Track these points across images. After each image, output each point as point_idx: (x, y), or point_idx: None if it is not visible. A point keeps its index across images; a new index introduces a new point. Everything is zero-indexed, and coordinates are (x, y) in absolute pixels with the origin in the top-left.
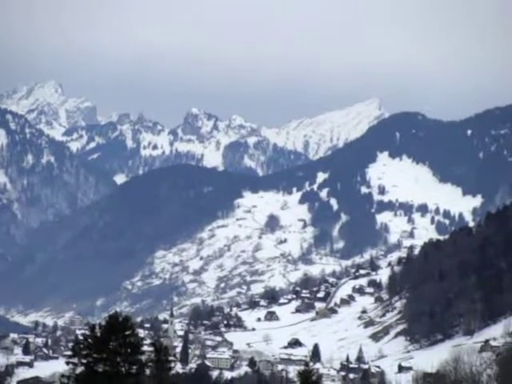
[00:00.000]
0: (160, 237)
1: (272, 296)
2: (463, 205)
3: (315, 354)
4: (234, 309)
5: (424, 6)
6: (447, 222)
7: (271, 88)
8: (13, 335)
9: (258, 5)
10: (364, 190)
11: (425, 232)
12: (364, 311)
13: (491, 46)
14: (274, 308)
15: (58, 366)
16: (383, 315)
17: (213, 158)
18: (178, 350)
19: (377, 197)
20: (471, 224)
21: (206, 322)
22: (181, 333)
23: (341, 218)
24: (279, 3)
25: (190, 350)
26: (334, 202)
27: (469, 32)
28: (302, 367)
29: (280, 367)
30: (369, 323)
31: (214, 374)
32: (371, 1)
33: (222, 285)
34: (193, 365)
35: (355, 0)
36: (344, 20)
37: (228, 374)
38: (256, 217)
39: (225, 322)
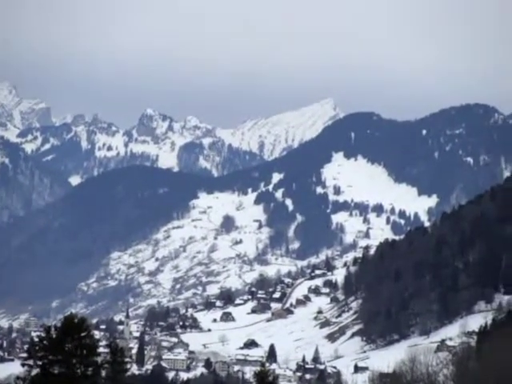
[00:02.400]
0: (115, 238)
1: (228, 297)
2: (418, 205)
3: (271, 354)
4: (190, 310)
5: (377, 5)
6: (402, 222)
7: (226, 89)
8: None
9: (209, 5)
10: (319, 190)
11: (380, 232)
12: (320, 312)
13: (445, 45)
14: (230, 309)
15: (14, 368)
16: (339, 315)
17: (168, 159)
18: (134, 351)
19: (332, 197)
20: (427, 224)
21: (161, 323)
22: (137, 334)
23: (296, 219)
24: (232, 3)
25: (145, 352)
26: (289, 202)
27: (422, 32)
28: (258, 368)
29: (236, 368)
30: (325, 324)
31: (170, 375)
32: (325, 1)
33: (178, 286)
34: (149, 366)
35: (312, 2)
36: (298, 21)
37: (184, 375)
38: (211, 218)
39: (180, 323)
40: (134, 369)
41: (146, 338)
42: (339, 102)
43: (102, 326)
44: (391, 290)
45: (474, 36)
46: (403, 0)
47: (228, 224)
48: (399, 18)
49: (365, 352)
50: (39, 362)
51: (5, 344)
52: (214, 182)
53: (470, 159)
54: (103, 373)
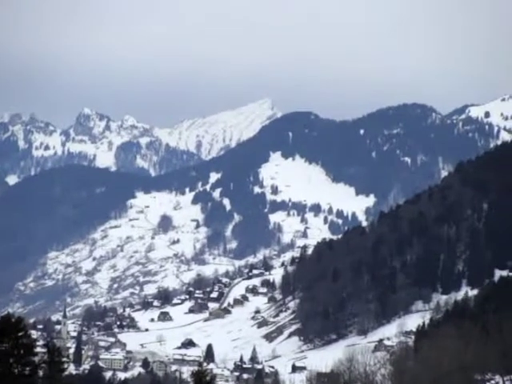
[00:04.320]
0: (52, 238)
1: (165, 296)
2: (356, 204)
3: (209, 354)
4: (127, 309)
5: (315, 6)
6: (340, 221)
7: (163, 88)
8: None
9: (145, 4)
10: (257, 189)
11: (318, 232)
12: (257, 311)
13: (383, 44)
14: (168, 308)
15: None
16: (277, 315)
17: (105, 159)
18: (72, 351)
19: (270, 197)
20: (364, 224)
21: (99, 322)
22: (74, 334)
23: (234, 218)
24: (167, 3)
25: (83, 351)
26: (226, 202)
27: (360, 30)
28: (196, 368)
29: (174, 368)
30: (262, 323)
31: (108, 374)
32: (267, 2)
33: (115, 285)
34: (86, 366)
35: (250, 1)
36: (238, 20)
37: (121, 375)
38: (149, 217)
39: (118, 323)
40: (71, 368)
41: (84, 337)
42: (277, 102)
43: (40, 326)
44: (329, 290)
45: (414, 34)
46: (340, 2)
47: (165, 223)
48: (336, 16)
49: (302, 352)
50: None
51: None
52: (152, 182)
53: (407, 159)
54: (41, 372)
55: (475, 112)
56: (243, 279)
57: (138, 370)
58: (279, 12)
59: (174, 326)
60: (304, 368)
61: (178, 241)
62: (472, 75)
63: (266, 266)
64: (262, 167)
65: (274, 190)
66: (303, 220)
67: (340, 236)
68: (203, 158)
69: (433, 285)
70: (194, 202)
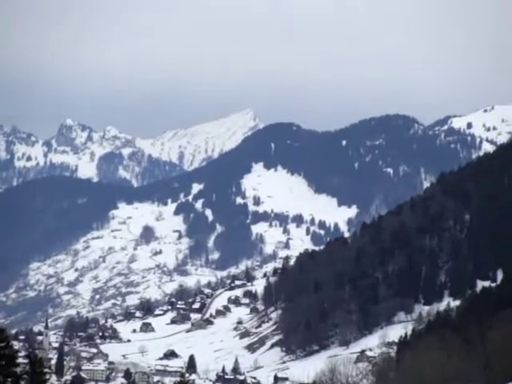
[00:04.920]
0: (34, 248)
1: (147, 307)
2: (338, 215)
3: (191, 365)
4: (110, 320)
5: (297, 17)
6: (322, 232)
7: (146, 99)
8: None
9: (131, 15)
10: (239, 200)
11: (300, 243)
12: (240, 322)
13: (366, 56)
14: (150, 319)
15: None
16: (259, 326)
17: (87, 169)
18: (53, 361)
19: (252, 207)
20: (346, 234)
21: (81, 333)
22: (56, 345)
23: (216, 229)
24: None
25: (65, 362)
26: (209, 212)
27: (342, 43)
28: (178, 378)
29: (156, 379)
30: (244, 334)
31: None
32: (245, 12)
33: (97, 296)
34: (68, 377)
35: (229, 11)
36: (219, 31)
37: None
38: (131, 228)
39: (100, 334)
40: (53, 379)
41: (66, 348)
42: (259, 113)
43: (21, 337)
44: (311, 301)
45: (397, 46)
46: (322, 13)
47: (148, 234)
48: (318, 27)
49: (284, 363)
50: None
51: None
52: (134, 193)
53: (389, 170)
54: (22, 383)
55: (457, 123)
56: (225, 290)
57: (120, 380)
58: (261, 23)
59: (156, 337)
60: (286, 379)
61: (160, 252)
62: (454, 86)
63: (248, 276)
64: (245, 178)
65: (257, 201)
66: (285, 231)
67: (322, 247)
68: (185, 168)
69: (415, 296)
70: (177, 212)
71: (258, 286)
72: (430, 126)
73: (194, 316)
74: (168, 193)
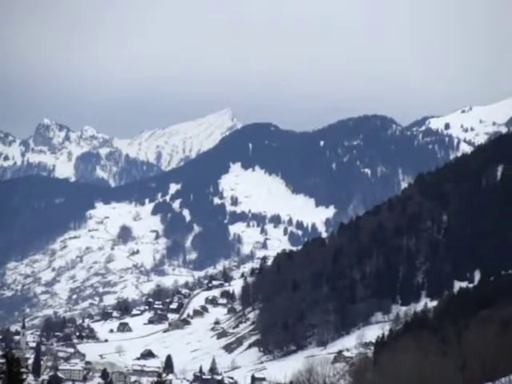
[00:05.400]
0: (11, 248)
1: (125, 307)
2: (316, 216)
3: (168, 365)
4: (87, 320)
5: (276, 19)
6: (300, 232)
7: (123, 99)
8: None
9: (109, 15)
10: (217, 200)
11: (278, 243)
12: (217, 322)
13: (343, 57)
14: (127, 319)
15: None
16: (236, 326)
17: (65, 169)
18: (30, 361)
19: (229, 208)
20: (324, 235)
21: (58, 333)
22: (33, 344)
23: (193, 229)
24: (131, 14)
25: (42, 362)
26: (186, 213)
27: (319, 45)
28: (155, 378)
29: (133, 379)
30: (222, 334)
31: None
32: (227, 15)
33: (75, 296)
34: (45, 376)
35: (204, 12)
36: (198, 31)
37: None
38: (108, 228)
39: (77, 334)
40: (30, 379)
41: (43, 348)
42: (237, 113)
43: None
44: (288, 301)
45: (374, 46)
46: (300, 12)
47: (125, 234)
48: (296, 27)
49: (262, 363)
50: None
51: None
52: (111, 193)
53: (367, 170)
54: None
55: (435, 124)
56: (203, 290)
57: (97, 380)
58: (240, 24)
59: (134, 337)
60: (263, 379)
61: (137, 251)
62: (432, 87)
63: (226, 277)
64: (222, 178)
65: (234, 201)
66: (263, 231)
67: (300, 247)
68: (163, 168)
69: (392, 296)
70: (154, 212)
71: (236, 286)
72: (407, 127)
73: (172, 316)
74: (145, 193)
